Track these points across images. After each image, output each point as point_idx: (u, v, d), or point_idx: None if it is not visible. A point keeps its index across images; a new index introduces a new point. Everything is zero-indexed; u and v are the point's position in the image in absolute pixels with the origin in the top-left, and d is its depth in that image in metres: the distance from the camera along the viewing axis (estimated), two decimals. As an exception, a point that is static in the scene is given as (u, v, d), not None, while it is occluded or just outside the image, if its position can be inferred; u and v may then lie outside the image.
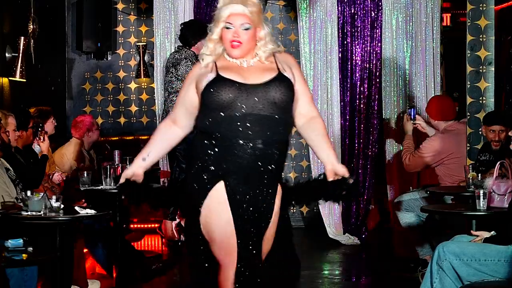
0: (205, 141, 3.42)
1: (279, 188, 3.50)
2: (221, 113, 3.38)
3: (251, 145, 3.37)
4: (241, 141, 3.37)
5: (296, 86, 3.51)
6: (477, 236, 4.41)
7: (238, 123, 3.37)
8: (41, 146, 5.96)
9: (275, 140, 3.42)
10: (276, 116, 3.41)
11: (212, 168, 3.41)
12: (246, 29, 3.47)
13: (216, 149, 3.40)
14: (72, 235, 5.20)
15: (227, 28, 3.47)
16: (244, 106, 3.37)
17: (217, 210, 3.39)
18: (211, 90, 3.39)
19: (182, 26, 7.06)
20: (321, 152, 3.57)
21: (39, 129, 5.96)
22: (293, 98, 3.49)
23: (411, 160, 6.52)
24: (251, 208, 3.40)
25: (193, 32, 7.06)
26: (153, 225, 7.55)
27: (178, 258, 6.50)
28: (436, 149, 6.44)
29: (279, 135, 3.43)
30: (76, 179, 6.20)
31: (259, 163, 3.40)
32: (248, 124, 3.37)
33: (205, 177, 3.41)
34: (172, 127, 3.60)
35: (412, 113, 6.84)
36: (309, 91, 3.68)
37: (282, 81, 3.46)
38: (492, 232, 4.37)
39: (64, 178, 6.34)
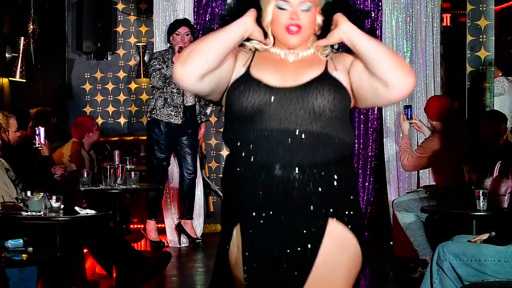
0: (230, 161, 2.65)
1: (331, 225, 2.54)
2: (244, 126, 2.56)
3: (282, 171, 2.53)
4: (268, 166, 2.53)
5: (359, 70, 2.57)
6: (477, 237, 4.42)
7: (265, 141, 2.52)
8: (42, 148, 5.96)
9: (316, 166, 2.53)
10: (317, 132, 2.52)
11: (235, 200, 2.60)
12: (307, 9, 2.61)
13: (240, 175, 2.57)
14: (72, 235, 5.20)
15: (281, 8, 2.60)
16: (273, 118, 2.52)
17: (238, 257, 2.58)
18: (235, 92, 2.57)
19: None
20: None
21: (36, 133, 5.95)
22: (344, 108, 2.57)
23: (410, 160, 6.52)
24: (279, 256, 2.53)
25: (167, 30, 7.21)
26: (158, 225, 7.54)
27: (163, 259, 6.50)
28: (434, 149, 6.44)
29: (323, 159, 2.53)
30: (76, 179, 6.20)
31: (294, 197, 2.53)
32: (278, 143, 2.52)
33: (230, 210, 2.65)
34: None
35: (409, 113, 6.84)
36: None
37: (326, 82, 2.56)
38: (492, 233, 4.37)
39: (63, 171, 6.30)
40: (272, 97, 2.54)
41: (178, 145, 7.23)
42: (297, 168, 2.51)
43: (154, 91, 7.17)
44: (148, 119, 7.18)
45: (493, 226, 4.53)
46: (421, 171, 7.25)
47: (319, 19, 2.65)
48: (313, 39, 2.66)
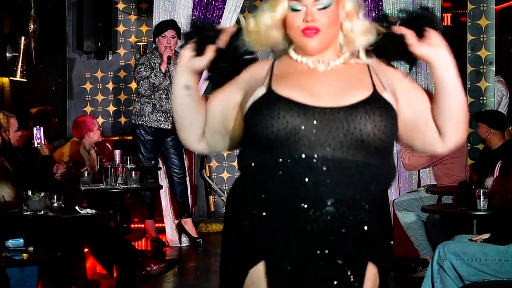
0: (248, 193, 2.21)
1: (369, 269, 2.19)
2: (271, 155, 2.13)
3: (316, 209, 2.12)
4: (301, 203, 2.12)
5: (417, 108, 2.21)
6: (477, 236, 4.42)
7: (297, 173, 2.10)
8: (42, 147, 5.96)
9: (358, 200, 2.15)
10: (362, 163, 2.13)
11: (254, 238, 2.18)
12: (324, 7, 2.20)
13: (263, 212, 2.16)
14: (72, 234, 5.20)
15: (294, 10, 2.21)
16: (310, 145, 2.10)
17: None
18: (260, 115, 2.14)
19: None
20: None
21: (36, 132, 5.95)
22: (394, 137, 2.20)
23: (411, 159, 6.52)
24: None
25: (153, 32, 7.24)
26: (157, 225, 7.54)
27: (162, 258, 6.52)
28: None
29: (367, 193, 2.16)
30: (76, 179, 6.20)
31: (333, 238, 2.14)
32: (315, 175, 2.10)
33: (242, 249, 2.22)
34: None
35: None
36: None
37: (378, 107, 2.14)
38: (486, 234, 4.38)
39: (64, 169, 6.30)
40: (309, 119, 2.11)
41: (163, 146, 7.24)
42: (339, 205, 2.11)
43: (139, 96, 7.18)
44: (133, 122, 7.20)
45: (493, 225, 4.52)
46: (421, 170, 7.24)
47: (350, 6, 2.22)
48: (344, 41, 2.24)
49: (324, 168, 2.10)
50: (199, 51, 2.26)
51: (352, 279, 2.14)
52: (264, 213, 2.16)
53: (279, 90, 2.16)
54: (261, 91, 2.18)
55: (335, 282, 2.14)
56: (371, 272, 2.18)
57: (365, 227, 2.16)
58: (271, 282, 2.14)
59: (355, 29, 2.22)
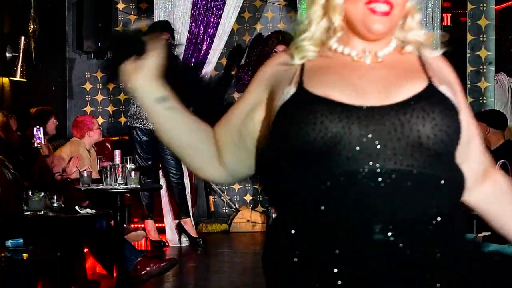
0: (283, 222, 1.74)
1: None
2: (307, 169, 1.67)
3: (371, 234, 1.64)
4: (353, 227, 1.64)
5: (460, 118, 1.74)
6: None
7: (343, 190, 1.64)
8: (42, 147, 5.96)
9: (421, 221, 1.67)
10: (425, 173, 1.66)
11: (298, 277, 1.70)
12: None
13: (303, 245, 1.68)
14: (72, 234, 5.20)
15: None
16: (358, 154, 1.64)
17: None
18: (286, 122, 1.69)
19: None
20: None
21: (36, 132, 5.96)
22: (458, 137, 1.72)
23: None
24: None
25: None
26: (157, 225, 7.54)
27: (162, 258, 6.52)
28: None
29: (431, 211, 1.67)
30: (76, 179, 6.20)
31: (398, 269, 1.66)
32: (362, 193, 1.64)
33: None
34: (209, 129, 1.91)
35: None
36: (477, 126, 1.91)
37: (436, 100, 1.70)
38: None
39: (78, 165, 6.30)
40: (354, 122, 1.65)
41: (160, 147, 7.27)
42: (395, 229, 1.64)
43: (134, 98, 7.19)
44: (129, 124, 7.22)
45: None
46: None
47: None
48: (398, 27, 1.82)
49: (373, 184, 1.63)
50: (138, 57, 1.84)
51: None
52: (302, 245, 1.68)
53: (313, 88, 1.70)
54: (290, 90, 1.73)
55: None
56: None
57: (438, 254, 1.67)
58: None
59: (416, 17, 1.82)
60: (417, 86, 1.72)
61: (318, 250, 1.67)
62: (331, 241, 1.66)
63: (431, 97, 1.70)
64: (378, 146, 1.65)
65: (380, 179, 1.64)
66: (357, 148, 1.65)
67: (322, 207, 1.65)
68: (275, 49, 6.96)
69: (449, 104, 1.72)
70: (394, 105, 1.68)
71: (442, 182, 1.69)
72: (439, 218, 1.69)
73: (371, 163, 1.64)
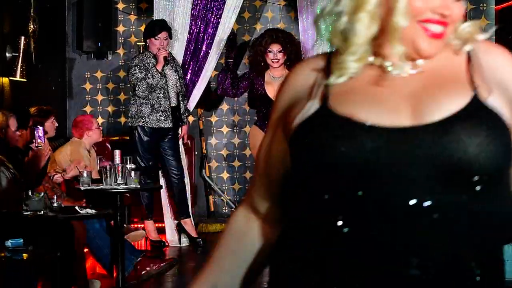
0: (299, 256, 1.48)
1: None
2: (323, 204, 1.44)
3: (410, 271, 1.39)
4: (387, 262, 1.40)
5: None
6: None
7: (363, 229, 1.41)
8: (41, 147, 5.95)
9: (462, 260, 1.41)
10: (467, 204, 1.41)
11: None
12: None
13: (322, 273, 1.45)
14: (72, 234, 5.20)
15: None
16: (381, 186, 1.40)
17: None
18: (303, 145, 1.46)
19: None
20: None
21: (36, 132, 5.94)
22: (508, 162, 1.44)
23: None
24: None
25: (144, 30, 7.31)
26: (157, 225, 7.54)
27: (162, 258, 6.52)
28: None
29: (474, 249, 1.42)
30: (76, 178, 6.20)
31: None
32: (389, 228, 1.39)
33: None
34: (251, 223, 1.65)
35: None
36: None
37: (481, 120, 1.42)
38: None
39: (67, 177, 6.30)
40: (382, 146, 1.40)
41: (161, 147, 7.28)
42: (429, 268, 1.39)
43: (135, 97, 7.19)
44: (131, 124, 7.21)
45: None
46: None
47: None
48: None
49: (404, 218, 1.39)
50: None
51: None
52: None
53: (338, 107, 1.45)
54: (312, 107, 1.48)
55: None
56: None
57: None
58: None
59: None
60: (460, 101, 1.43)
61: (342, 280, 1.42)
62: (358, 271, 1.41)
63: (475, 114, 1.42)
64: (413, 173, 1.38)
65: (413, 212, 1.38)
66: (385, 175, 1.39)
67: (345, 230, 1.41)
68: (268, 49, 6.89)
69: (497, 121, 1.42)
70: (431, 125, 1.40)
71: (490, 214, 1.42)
72: (486, 256, 1.44)
73: (402, 193, 1.38)
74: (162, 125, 7.15)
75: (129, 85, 8.38)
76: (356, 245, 1.40)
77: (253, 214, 1.64)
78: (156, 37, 7.18)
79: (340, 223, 1.40)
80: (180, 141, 7.54)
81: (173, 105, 7.26)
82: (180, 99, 7.32)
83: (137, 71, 7.09)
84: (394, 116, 1.42)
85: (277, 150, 1.57)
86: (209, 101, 8.46)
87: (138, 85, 7.07)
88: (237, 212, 1.67)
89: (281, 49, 6.88)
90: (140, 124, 7.14)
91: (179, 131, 7.45)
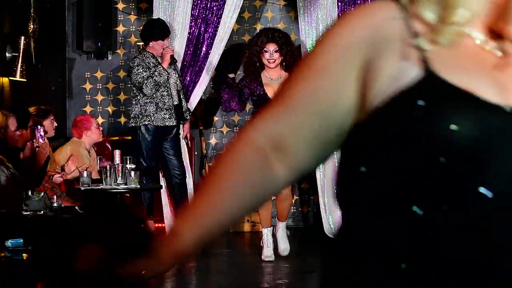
0: (377, 244, 1.26)
1: None
2: (422, 191, 1.21)
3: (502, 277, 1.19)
4: (497, 262, 1.18)
5: None
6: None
7: (471, 224, 1.19)
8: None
9: None
10: None
11: None
12: None
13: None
14: (72, 234, 5.20)
15: None
16: (494, 173, 1.19)
17: None
18: (414, 116, 1.20)
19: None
20: None
21: (36, 132, 5.95)
22: None
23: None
24: None
25: (145, 31, 7.31)
26: (157, 225, 7.55)
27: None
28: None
29: None
30: (76, 178, 6.20)
31: None
32: (499, 223, 1.19)
33: None
34: (268, 162, 1.36)
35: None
36: None
37: None
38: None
39: (68, 177, 6.31)
40: (499, 128, 1.20)
41: (163, 147, 7.28)
42: None
43: (138, 97, 7.19)
44: (134, 124, 7.19)
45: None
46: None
47: None
48: None
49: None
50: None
51: None
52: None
53: (450, 77, 1.21)
54: (411, 72, 1.23)
55: None
56: None
57: None
58: None
59: None
60: None
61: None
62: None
63: None
64: None
65: None
66: (498, 162, 1.20)
67: (433, 238, 1.20)
68: (264, 48, 6.85)
69: None
70: None
71: None
72: None
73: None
74: (167, 123, 7.16)
75: (129, 85, 8.38)
76: (475, 242, 1.19)
77: (274, 151, 1.34)
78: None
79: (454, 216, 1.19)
80: (183, 140, 7.55)
81: (176, 103, 7.27)
82: (181, 97, 7.34)
83: (141, 70, 7.10)
84: (506, 96, 1.23)
85: (339, 97, 1.29)
86: (209, 101, 8.46)
87: (146, 84, 7.06)
88: (246, 145, 1.37)
89: (277, 48, 6.85)
90: (145, 123, 7.13)
91: (181, 131, 7.45)
